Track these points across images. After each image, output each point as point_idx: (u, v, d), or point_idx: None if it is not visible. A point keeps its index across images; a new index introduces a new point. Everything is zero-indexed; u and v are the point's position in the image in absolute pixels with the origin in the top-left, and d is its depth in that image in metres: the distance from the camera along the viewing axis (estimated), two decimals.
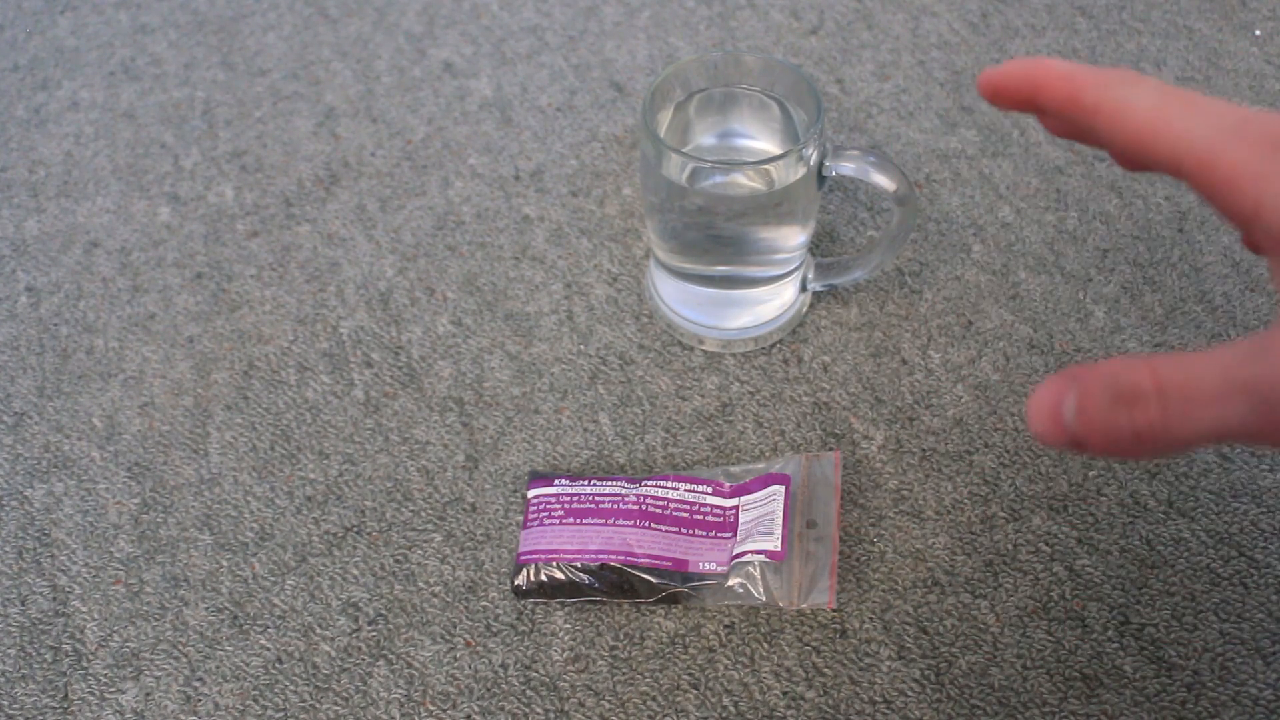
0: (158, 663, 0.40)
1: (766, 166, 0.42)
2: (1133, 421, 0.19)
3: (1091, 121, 0.23)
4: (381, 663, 0.40)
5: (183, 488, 0.45)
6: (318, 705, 0.39)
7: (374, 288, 0.51)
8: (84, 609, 0.42)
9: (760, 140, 0.46)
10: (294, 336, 0.50)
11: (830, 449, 0.45)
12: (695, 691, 0.39)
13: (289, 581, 0.42)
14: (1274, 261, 0.20)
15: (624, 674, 0.39)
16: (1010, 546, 0.42)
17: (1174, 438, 0.19)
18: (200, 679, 0.40)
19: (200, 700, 0.39)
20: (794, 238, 0.44)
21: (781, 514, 0.40)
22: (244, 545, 0.43)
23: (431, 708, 0.39)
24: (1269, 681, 0.38)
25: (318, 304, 0.51)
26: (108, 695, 0.40)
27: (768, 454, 0.45)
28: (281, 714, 0.39)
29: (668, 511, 0.41)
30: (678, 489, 0.41)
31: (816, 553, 0.40)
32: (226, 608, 0.41)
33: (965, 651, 0.39)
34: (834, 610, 0.40)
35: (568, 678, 0.39)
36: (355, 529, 0.43)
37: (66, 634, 0.41)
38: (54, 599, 0.42)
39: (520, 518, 0.43)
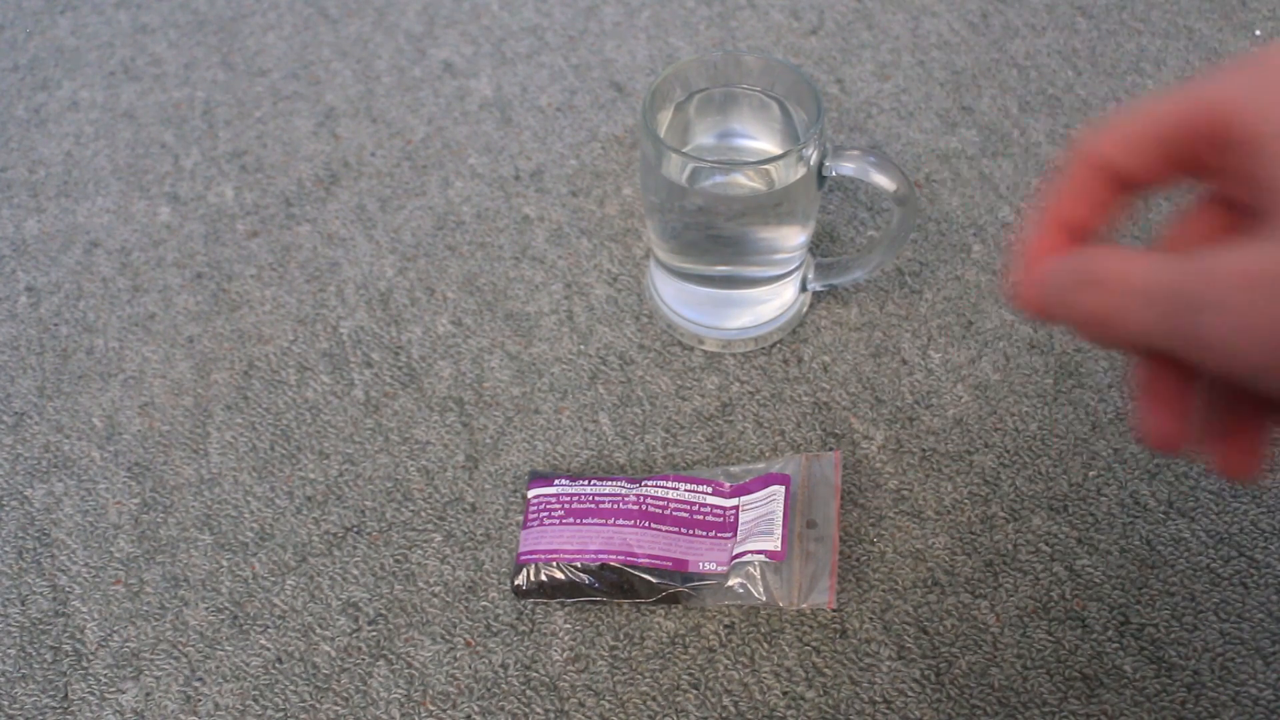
0: (158, 663, 0.40)
1: (766, 166, 0.42)
2: (1084, 300, 0.20)
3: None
4: (381, 663, 0.40)
5: (183, 488, 0.45)
6: (318, 705, 0.39)
7: (374, 288, 0.51)
8: (84, 609, 0.42)
9: (760, 140, 0.46)
10: (294, 336, 0.50)
11: (830, 449, 0.45)
12: (695, 691, 0.39)
13: (289, 581, 0.42)
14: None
15: (624, 674, 0.39)
16: (1010, 546, 0.42)
17: (1120, 324, 0.20)
18: (200, 679, 0.40)
19: (200, 700, 0.39)
20: (794, 238, 0.44)
21: (781, 514, 0.40)
22: (244, 545, 0.43)
23: (431, 708, 0.39)
24: (1269, 681, 0.38)
25: (318, 304, 0.51)
26: (108, 695, 0.40)
27: (768, 454, 0.45)
28: (281, 714, 0.39)
29: (668, 511, 0.41)
30: (678, 489, 0.41)
31: (816, 553, 0.40)
32: (226, 608, 0.41)
33: (965, 651, 0.39)
34: (834, 610, 0.40)
35: (568, 678, 0.39)
36: (355, 529, 0.43)
37: (66, 634, 0.41)
38: (54, 599, 0.42)
39: (520, 518, 0.43)
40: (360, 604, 0.41)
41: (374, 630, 0.41)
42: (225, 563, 0.43)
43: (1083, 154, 0.22)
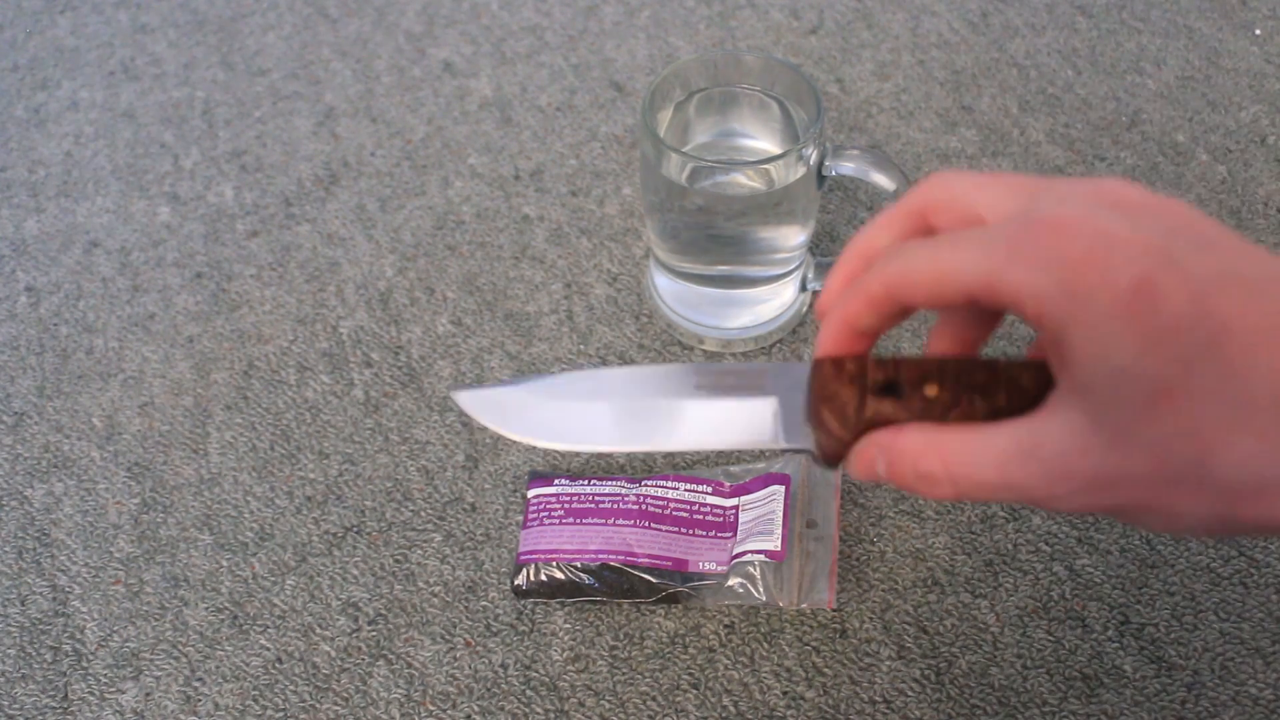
0: (158, 663, 0.40)
1: (766, 166, 0.42)
2: (932, 493, 0.24)
3: (915, 308, 0.25)
4: (381, 663, 0.40)
5: (183, 488, 0.45)
6: (318, 705, 0.39)
7: (374, 288, 0.51)
8: (84, 609, 0.42)
9: (760, 140, 0.46)
10: (294, 336, 0.50)
11: None
12: (695, 691, 0.39)
13: (289, 581, 0.42)
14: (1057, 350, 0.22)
15: (624, 674, 0.39)
16: (1010, 546, 0.42)
17: (970, 500, 0.25)
18: (200, 679, 0.40)
19: (200, 700, 0.39)
20: (794, 237, 0.44)
21: (781, 514, 0.40)
22: (244, 545, 0.43)
23: (431, 708, 0.39)
24: (1269, 681, 0.38)
25: (317, 304, 0.51)
26: (108, 695, 0.40)
27: (768, 454, 0.45)
28: (281, 714, 0.39)
29: (668, 511, 0.41)
30: (678, 489, 0.41)
31: (816, 552, 0.40)
32: (226, 608, 0.41)
33: (965, 651, 0.39)
34: (834, 610, 0.40)
35: (568, 678, 0.39)
36: (355, 529, 0.43)
37: (66, 634, 0.41)
38: (54, 599, 0.42)
39: (520, 518, 0.43)
40: (360, 604, 0.41)
41: (374, 630, 0.41)
42: (225, 563, 0.43)
43: (879, 285, 0.25)
